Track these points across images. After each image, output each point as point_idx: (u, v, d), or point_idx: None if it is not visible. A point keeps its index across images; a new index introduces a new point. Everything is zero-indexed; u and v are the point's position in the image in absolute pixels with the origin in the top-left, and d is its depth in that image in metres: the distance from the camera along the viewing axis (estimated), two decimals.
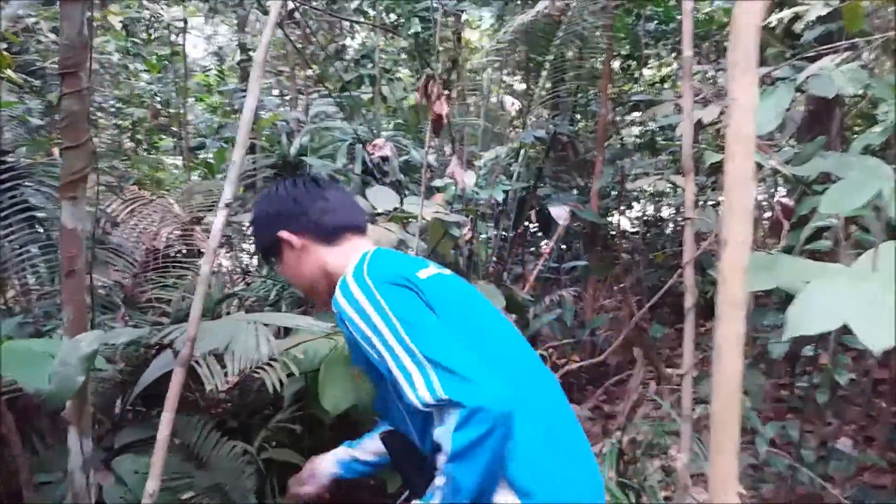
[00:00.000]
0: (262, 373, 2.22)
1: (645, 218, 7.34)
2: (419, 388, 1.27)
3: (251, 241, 1.77)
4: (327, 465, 1.79)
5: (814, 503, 3.04)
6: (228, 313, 3.99)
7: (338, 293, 1.42)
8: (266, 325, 2.02)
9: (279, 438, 3.17)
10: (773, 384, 4.63)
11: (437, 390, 1.26)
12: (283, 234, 1.57)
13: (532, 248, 6.15)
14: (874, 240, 2.74)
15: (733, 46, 1.20)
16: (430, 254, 3.44)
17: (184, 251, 4.09)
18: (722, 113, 2.45)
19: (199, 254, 4.61)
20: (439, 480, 1.30)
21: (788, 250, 3.01)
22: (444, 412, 1.28)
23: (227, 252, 6.00)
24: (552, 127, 4.39)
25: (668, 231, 7.14)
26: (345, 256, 1.54)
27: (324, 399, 2.61)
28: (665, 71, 6.82)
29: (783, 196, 4.76)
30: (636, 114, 6.38)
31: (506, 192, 3.51)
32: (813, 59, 2.99)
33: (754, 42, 1.20)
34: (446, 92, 2.87)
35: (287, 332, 2.88)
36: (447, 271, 1.60)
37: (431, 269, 1.55)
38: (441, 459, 1.28)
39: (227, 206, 1.59)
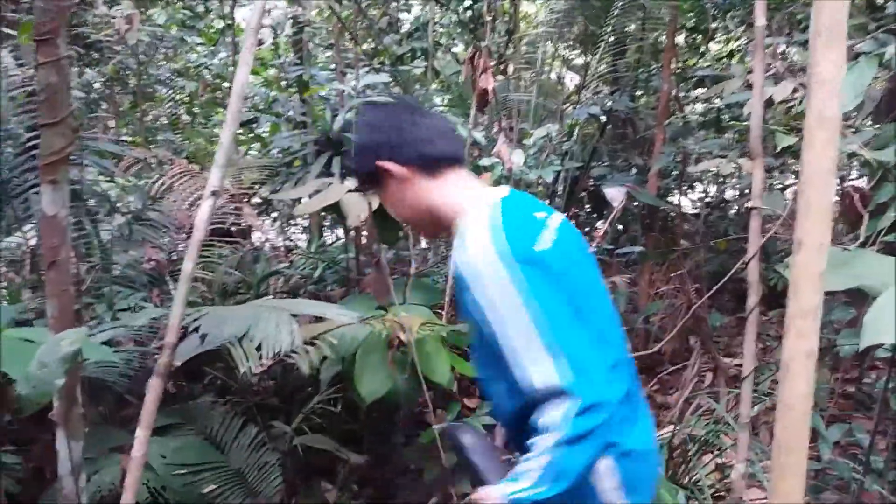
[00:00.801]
0: (296, 357, 2.13)
1: (707, 200, 7.01)
2: (541, 374, 1.27)
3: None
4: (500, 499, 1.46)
5: None
6: (274, 290, 3.96)
7: (468, 252, 1.33)
8: (294, 314, 1.92)
9: (317, 421, 3.13)
10: (840, 380, 4.36)
11: (558, 380, 1.25)
12: (387, 164, 1.48)
13: (585, 231, 5.94)
14: None
15: (817, 15, 1.02)
16: None
17: (235, 227, 4.05)
18: (795, 91, 2.23)
19: (247, 231, 4.59)
20: (542, 459, 1.28)
21: (864, 243, 2.77)
22: (558, 399, 1.26)
23: (275, 226, 5.99)
24: (609, 103, 4.17)
25: (731, 214, 6.80)
26: (449, 191, 1.49)
27: (360, 386, 2.53)
28: (733, 45, 6.45)
29: (856, 182, 4.45)
30: (700, 90, 6.07)
31: (557, 172, 3.33)
32: None
33: (842, 11, 1.02)
34: (493, 65, 2.71)
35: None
36: (562, 218, 1.51)
37: (553, 224, 1.44)
38: (548, 441, 1.27)
39: (214, 194, 1.47)
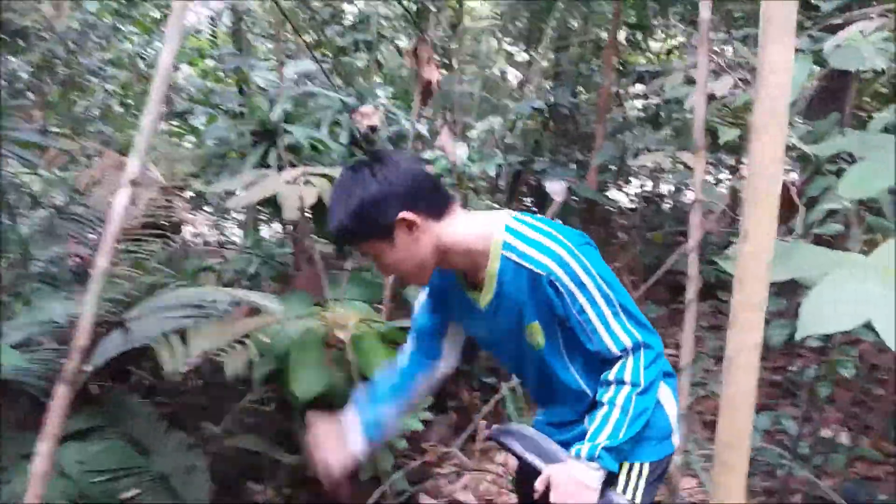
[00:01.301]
0: (225, 357, 2.03)
1: (643, 194, 7.13)
2: (620, 335, 1.48)
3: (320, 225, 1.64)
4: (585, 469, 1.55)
5: (805, 495, 2.90)
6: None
7: (546, 254, 1.46)
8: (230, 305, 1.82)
9: (250, 420, 3.02)
10: (767, 369, 4.48)
11: (636, 336, 1.48)
12: (406, 214, 1.47)
13: None
14: (888, 224, 2.56)
15: (767, 7, 1.00)
16: None
17: (166, 222, 3.88)
18: (735, 86, 2.25)
19: (179, 225, 4.42)
20: (618, 411, 1.47)
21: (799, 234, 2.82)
22: (631, 354, 1.48)
23: (209, 221, 5.80)
24: (551, 98, 4.16)
25: (665, 208, 6.92)
26: (461, 227, 1.54)
27: (294, 384, 2.45)
28: (672, 42, 6.57)
29: (790, 176, 4.57)
30: (640, 86, 6.15)
31: (499, 165, 3.30)
32: (833, 30, 2.78)
33: (792, 3, 1.00)
34: (437, 57, 2.65)
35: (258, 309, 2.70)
36: None
37: None
38: (625, 391, 1.47)
39: (133, 184, 1.37)
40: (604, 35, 5.43)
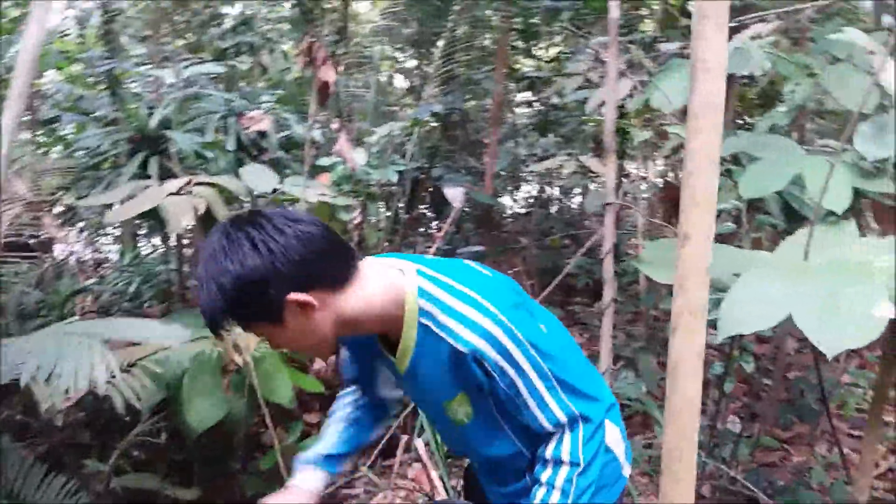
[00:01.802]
0: (110, 390, 1.82)
1: (531, 199, 7.25)
2: (554, 410, 1.34)
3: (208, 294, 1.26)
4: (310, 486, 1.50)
5: (713, 487, 2.99)
6: (82, 310, 3.49)
7: (469, 324, 1.28)
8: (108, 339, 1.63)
9: (140, 453, 2.77)
10: (661, 363, 4.63)
11: (571, 409, 1.34)
12: (297, 296, 1.23)
13: (421, 230, 5.90)
14: (776, 222, 2.67)
15: (700, 5, 0.97)
16: None
17: (30, 240, 3.52)
18: (635, 88, 2.27)
19: (48, 243, 4.04)
20: (558, 494, 1.35)
21: None
22: (565, 430, 1.36)
23: (81, 237, 5.36)
24: (440, 107, 4.12)
25: (553, 211, 7.07)
26: (364, 292, 1.31)
27: (189, 413, 2.25)
28: (554, 51, 6.71)
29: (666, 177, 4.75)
30: (527, 93, 6.23)
31: (400, 172, 3.21)
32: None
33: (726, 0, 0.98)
34: (332, 58, 2.53)
35: None
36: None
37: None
38: (563, 473, 1.35)
39: None
40: (487, 42, 5.46)
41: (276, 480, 2.73)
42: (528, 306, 1.42)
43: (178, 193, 2.47)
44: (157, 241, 5.87)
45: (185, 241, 4.06)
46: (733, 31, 2.26)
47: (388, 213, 3.82)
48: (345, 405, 1.66)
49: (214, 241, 1.23)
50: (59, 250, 4.45)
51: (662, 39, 3.62)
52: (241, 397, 2.28)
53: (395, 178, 3.12)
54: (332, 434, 1.63)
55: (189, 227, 2.50)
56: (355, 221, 3.27)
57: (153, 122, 3.08)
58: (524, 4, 4.92)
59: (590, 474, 1.35)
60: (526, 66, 6.58)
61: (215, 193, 2.51)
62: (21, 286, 3.19)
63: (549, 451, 1.36)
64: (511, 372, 1.30)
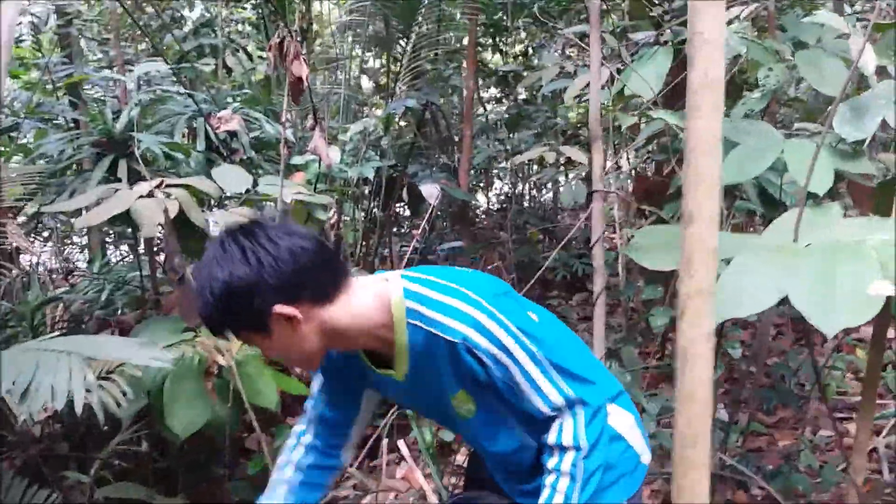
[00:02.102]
0: (89, 400, 1.75)
1: (504, 196, 7.26)
2: (550, 394, 1.34)
3: (201, 306, 1.28)
4: None
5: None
6: (52, 321, 3.38)
7: (462, 321, 1.30)
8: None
9: (122, 463, 2.69)
10: (642, 353, 4.65)
11: (567, 392, 1.34)
12: (283, 309, 1.26)
13: (395, 229, 5.86)
14: (754, 207, 2.68)
15: None
16: None
17: None
18: (611, 76, 2.25)
19: (13, 253, 3.91)
20: (566, 480, 1.34)
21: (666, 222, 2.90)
22: (564, 414, 1.35)
23: (48, 246, 5.23)
24: (423, 96, 4.09)
25: (525, 205, 7.09)
26: (351, 306, 1.34)
27: (172, 420, 2.19)
28: (520, 47, 6.72)
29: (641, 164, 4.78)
30: (497, 90, 6.22)
31: (376, 169, 3.17)
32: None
33: None
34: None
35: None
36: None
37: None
38: (569, 458, 1.34)
39: None
40: (454, 39, 5.45)
41: (262, 485, 2.67)
42: (514, 296, 1.43)
43: (149, 196, 2.40)
44: (124, 248, 5.75)
45: (157, 247, 3.97)
46: None
47: (363, 212, 3.77)
48: (289, 468, 1.60)
49: (212, 249, 1.28)
50: (24, 260, 4.32)
51: (632, 30, 3.63)
52: (224, 402, 2.22)
53: (370, 175, 3.08)
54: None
55: (161, 231, 2.43)
56: (332, 220, 3.22)
57: (119, 125, 2.99)
58: (489, 0, 4.91)
59: (596, 457, 1.35)
60: (493, 62, 6.57)
61: (188, 195, 2.44)
62: None
63: (551, 438, 1.36)
64: (503, 358, 1.31)
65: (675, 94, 3.99)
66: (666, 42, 2.42)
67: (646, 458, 1.52)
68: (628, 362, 3.87)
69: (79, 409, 1.46)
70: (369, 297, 1.34)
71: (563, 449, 1.35)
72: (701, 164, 0.95)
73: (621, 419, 1.47)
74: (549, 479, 1.36)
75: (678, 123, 1.93)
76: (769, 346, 4.37)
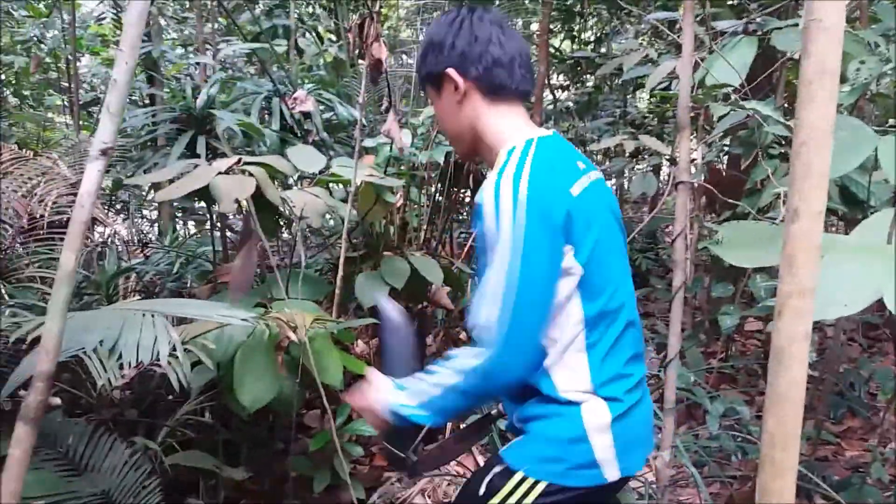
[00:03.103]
0: (165, 366, 1.81)
1: None
2: (478, 310, 1.30)
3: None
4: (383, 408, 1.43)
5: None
6: (125, 290, 3.51)
7: (493, 186, 1.30)
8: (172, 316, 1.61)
9: (187, 433, 2.77)
10: (705, 353, 4.55)
11: (483, 323, 1.29)
12: (451, 71, 1.41)
13: (456, 215, 5.86)
14: (837, 206, 2.58)
15: None
16: (360, 221, 3.07)
17: (67, 220, 3.53)
18: (696, 66, 2.19)
19: (93, 222, 4.06)
20: (435, 390, 1.35)
21: (744, 217, 2.82)
22: (481, 347, 1.31)
23: (124, 219, 5.41)
24: None
25: None
26: (500, 120, 1.43)
27: (241, 393, 2.23)
28: (589, 32, 6.60)
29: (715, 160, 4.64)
30: (564, 76, 6.14)
31: (446, 154, 3.17)
32: (775, 14, 2.78)
33: None
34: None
35: None
36: (599, 175, 1.48)
37: (588, 178, 1.41)
38: (448, 379, 1.34)
39: (104, 153, 1.16)
40: (524, 24, 5.39)
41: (322, 461, 2.72)
42: (579, 215, 1.33)
43: (227, 173, 2.45)
44: (191, 224, 5.92)
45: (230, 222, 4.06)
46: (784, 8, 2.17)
47: (426, 197, 3.78)
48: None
49: (451, 11, 1.45)
50: (99, 232, 4.48)
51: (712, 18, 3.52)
52: (295, 378, 2.26)
53: (441, 160, 3.08)
54: None
55: (238, 208, 2.48)
56: (398, 203, 3.24)
57: (199, 103, 3.06)
58: None
59: (459, 400, 1.33)
60: (562, 48, 6.48)
61: (265, 173, 2.48)
62: None
63: (456, 351, 1.36)
64: (489, 238, 1.29)
65: (752, 86, 3.88)
66: (755, 31, 2.34)
67: (609, 472, 1.40)
68: (693, 362, 3.80)
69: (164, 365, 1.51)
70: (510, 126, 1.41)
71: (450, 369, 1.34)
72: (812, 158, 0.91)
73: (594, 416, 1.38)
74: (428, 377, 1.37)
75: (773, 115, 1.86)
76: (840, 353, 4.23)
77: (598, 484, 1.40)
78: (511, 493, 1.39)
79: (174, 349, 1.59)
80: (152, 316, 1.58)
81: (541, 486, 1.38)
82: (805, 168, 0.92)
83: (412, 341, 1.51)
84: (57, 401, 1.23)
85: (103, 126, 1.17)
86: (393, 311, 1.51)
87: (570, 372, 1.38)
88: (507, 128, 1.41)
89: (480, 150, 1.47)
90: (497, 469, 1.43)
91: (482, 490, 1.42)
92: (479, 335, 1.32)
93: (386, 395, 1.39)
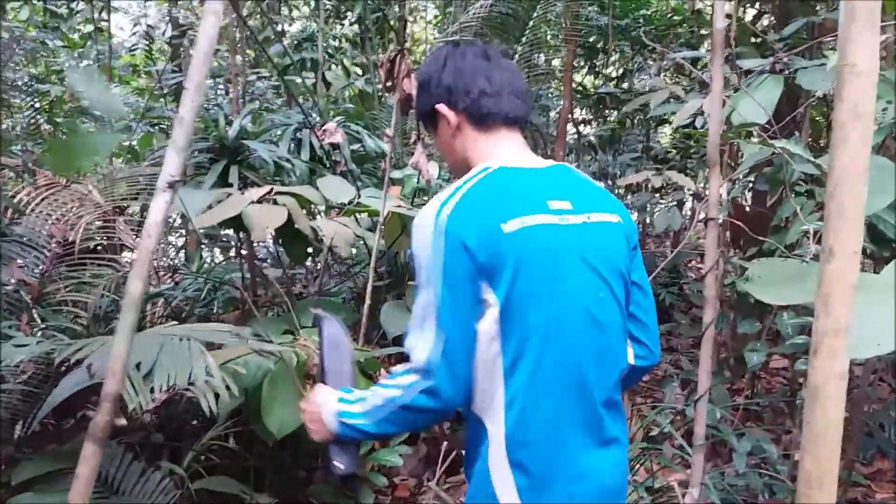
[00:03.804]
0: (195, 391, 1.83)
1: None
2: (408, 333, 1.31)
3: None
4: (328, 416, 1.43)
5: None
6: (153, 316, 3.56)
7: (422, 213, 1.31)
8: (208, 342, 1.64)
9: (213, 458, 2.79)
10: (731, 389, 4.49)
11: (410, 344, 1.31)
12: (441, 107, 1.44)
13: None
14: (863, 244, 2.57)
15: (849, 4, 0.93)
16: (386, 251, 3.10)
17: (104, 244, 3.61)
18: (724, 104, 2.21)
19: (122, 248, 4.13)
20: (378, 401, 1.34)
21: (770, 254, 2.81)
22: (416, 370, 1.30)
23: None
24: None
25: None
26: (484, 147, 1.44)
27: (268, 419, 2.25)
28: (611, 68, 6.67)
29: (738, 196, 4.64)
30: (581, 112, 6.19)
31: None
32: (803, 53, 2.81)
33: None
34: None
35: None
36: (581, 218, 1.36)
37: (546, 218, 1.32)
38: (390, 393, 1.33)
39: (171, 186, 1.20)
40: (547, 61, 5.46)
41: (347, 489, 2.72)
42: (510, 253, 1.27)
43: (259, 202, 2.50)
44: (217, 251, 5.99)
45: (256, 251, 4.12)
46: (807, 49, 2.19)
47: None
48: None
49: (441, 53, 1.47)
50: (126, 256, 4.56)
51: (736, 57, 3.56)
52: None
53: None
54: None
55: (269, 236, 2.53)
56: None
57: (232, 133, 3.14)
58: (587, 24, 4.90)
59: (406, 413, 1.31)
60: (585, 84, 6.55)
61: (296, 203, 2.53)
62: (99, 290, 3.26)
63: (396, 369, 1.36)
64: (417, 260, 1.30)
65: (780, 125, 3.89)
66: (782, 70, 2.37)
67: None
68: (718, 399, 3.75)
69: (200, 389, 1.53)
70: (488, 155, 1.41)
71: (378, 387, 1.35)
72: (846, 199, 0.93)
73: (503, 486, 1.31)
74: (372, 394, 1.36)
75: (802, 154, 1.88)
76: (867, 393, 4.16)
77: None
78: None
79: (209, 373, 1.62)
80: (188, 340, 1.61)
81: None
82: (839, 208, 0.93)
83: (352, 356, 1.52)
84: (123, 421, 1.26)
85: (170, 160, 1.22)
86: (333, 325, 1.53)
87: (495, 427, 1.31)
88: (486, 155, 1.42)
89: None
90: None
91: None
92: (411, 356, 1.32)
93: (333, 402, 1.40)
